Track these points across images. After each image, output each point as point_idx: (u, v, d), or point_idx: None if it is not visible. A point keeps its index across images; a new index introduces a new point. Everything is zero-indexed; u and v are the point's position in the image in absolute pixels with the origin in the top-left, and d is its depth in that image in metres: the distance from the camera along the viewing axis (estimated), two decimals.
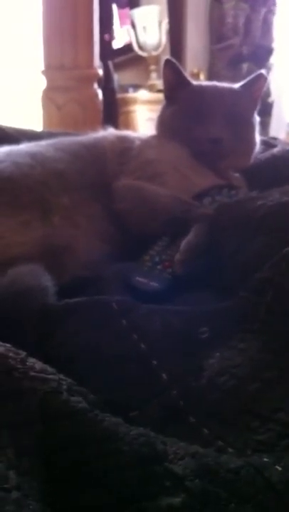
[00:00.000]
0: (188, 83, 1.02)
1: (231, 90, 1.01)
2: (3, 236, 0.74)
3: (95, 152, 0.91)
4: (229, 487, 0.39)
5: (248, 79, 1.03)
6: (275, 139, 1.22)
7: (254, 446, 0.45)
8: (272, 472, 0.40)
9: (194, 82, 1.03)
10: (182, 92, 1.01)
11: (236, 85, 1.02)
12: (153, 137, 1.00)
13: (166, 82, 1.03)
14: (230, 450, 0.45)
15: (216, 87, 1.02)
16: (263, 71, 1.05)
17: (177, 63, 1.02)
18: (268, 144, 1.10)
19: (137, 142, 0.96)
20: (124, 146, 0.94)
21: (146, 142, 0.97)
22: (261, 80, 1.02)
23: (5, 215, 0.76)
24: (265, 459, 0.42)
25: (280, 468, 0.41)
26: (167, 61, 1.01)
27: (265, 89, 1.06)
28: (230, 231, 0.71)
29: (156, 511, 0.37)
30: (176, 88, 1.01)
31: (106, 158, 0.91)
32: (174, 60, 1.02)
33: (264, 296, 0.57)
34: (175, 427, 0.47)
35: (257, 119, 1.03)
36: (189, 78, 1.03)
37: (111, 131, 1.00)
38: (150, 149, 0.94)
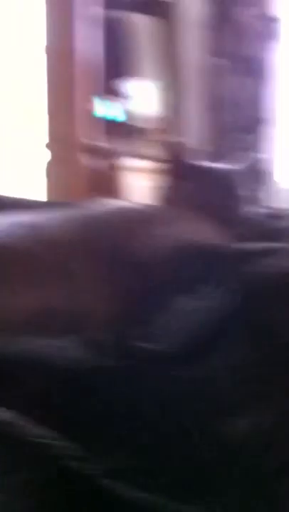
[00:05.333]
0: (194, 163, 1.12)
1: (228, 169, 1.15)
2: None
3: (106, 224, 0.93)
4: None
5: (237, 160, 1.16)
6: (276, 208, 1.25)
7: None
8: None
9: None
10: (191, 171, 1.10)
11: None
12: (173, 210, 1.04)
13: (175, 161, 1.11)
14: None
15: (219, 167, 1.15)
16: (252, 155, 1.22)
17: (186, 145, 1.11)
18: (269, 214, 1.14)
19: (160, 215, 1.00)
20: (148, 219, 0.97)
21: (172, 215, 1.01)
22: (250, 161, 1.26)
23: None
24: None
25: None
26: (179, 143, 1.11)
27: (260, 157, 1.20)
28: (240, 299, 0.71)
29: None
30: (184, 167, 1.09)
31: (125, 230, 0.93)
32: (184, 142, 1.11)
33: (281, 367, 0.57)
34: (194, 498, 0.46)
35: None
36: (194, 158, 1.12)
37: (122, 204, 1.03)
38: (182, 221, 0.99)
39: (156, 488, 0.42)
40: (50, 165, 2.32)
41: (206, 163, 1.15)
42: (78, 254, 0.86)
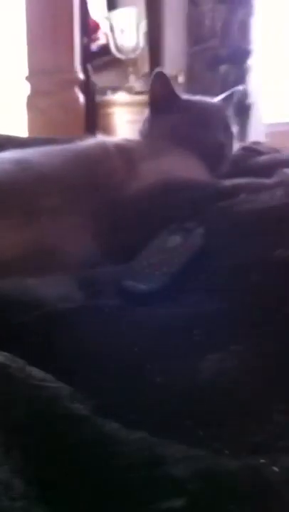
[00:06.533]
0: (178, 96, 1.08)
1: (218, 104, 1.13)
2: None
3: (86, 158, 0.92)
4: (228, 489, 0.40)
5: (225, 94, 1.16)
6: (258, 143, 1.24)
7: (250, 447, 0.46)
8: (270, 473, 0.41)
9: (182, 95, 1.10)
10: (173, 104, 1.05)
11: (216, 99, 1.15)
12: (155, 144, 1.02)
13: (154, 94, 1.07)
14: (226, 452, 0.45)
15: (206, 101, 1.12)
16: (237, 88, 1.21)
17: (167, 75, 1.06)
18: (252, 150, 1.12)
19: (141, 149, 0.98)
20: (130, 154, 0.96)
21: (155, 149, 0.99)
22: (236, 95, 1.18)
23: None
24: (262, 460, 0.43)
25: (277, 469, 0.41)
26: (158, 74, 1.05)
27: (243, 90, 1.17)
28: (220, 234, 0.72)
29: None
30: (165, 100, 1.05)
31: (106, 164, 0.91)
32: (164, 73, 1.05)
33: (257, 298, 0.58)
34: (172, 430, 0.47)
35: (236, 128, 1.13)
36: (177, 91, 1.06)
37: (103, 139, 1.01)
38: (163, 156, 0.97)
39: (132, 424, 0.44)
40: (30, 98, 2.26)
41: (190, 96, 1.13)
42: (63, 190, 0.85)
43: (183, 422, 0.48)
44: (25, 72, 2.30)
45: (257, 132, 3.00)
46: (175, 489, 0.38)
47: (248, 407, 0.48)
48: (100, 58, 3.68)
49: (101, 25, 3.69)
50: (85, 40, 2.88)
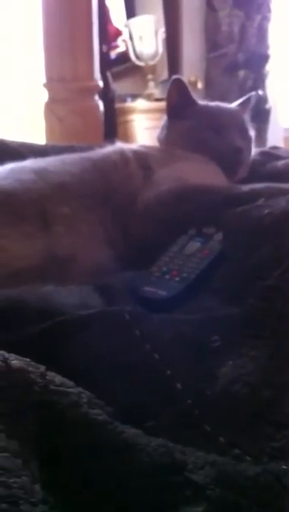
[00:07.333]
0: (195, 102, 1.09)
1: (235, 108, 1.13)
2: (6, 249, 0.75)
3: (103, 165, 0.93)
4: (248, 494, 0.40)
5: (242, 99, 1.17)
6: (276, 148, 1.24)
7: (270, 453, 0.46)
8: None
9: (199, 101, 1.10)
10: (190, 110, 1.06)
11: (233, 104, 1.15)
12: (172, 149, 1.03)
13: (171, 100, 1.08)
14: (247, 458, 0.45)
15: (223, 106, 1.13)
16: (254, 93, 1.23)
17: (184, 82, 1.06)
18: (270, 154, 1.12)
19: (158, 155, 0.99)
20: (148, 160, 0.96)
21: (172, 155, 1.00)
22: (254, 99, 1.19)
23: (7, 229, 0.77)
24: (283, 466, 0.43)
25: None
26: (176, 80, 1.06)
27: (261, 95, 1.18)
28: (237, 239, 0.72)
29: None
30: (182, 106, 1.05)
31: (124, 171, 0.92)
32: (181, 79, 1.06)
33: (273, 303, 0.58)
34: (191, 436, 0.47)
35: (253, 132, 1.13)
36: (195, 97, 1.07)
37: (121, 146, 1.01)
38: (180, 161, 0.97)
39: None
40: (47, 106, 2.28)
41: (207, 102, 1.13)
42: (81, 198, 0.86)
43: (203, 427, 0.48)
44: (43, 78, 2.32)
45: (275, 137, 2.99)
46: (195, 495, 0.38)
47: (267, 413, 0.48)
48: (119, 65, 3.70)
49: (122, 32, 3.71)
50: (105, 47, 2.90)
